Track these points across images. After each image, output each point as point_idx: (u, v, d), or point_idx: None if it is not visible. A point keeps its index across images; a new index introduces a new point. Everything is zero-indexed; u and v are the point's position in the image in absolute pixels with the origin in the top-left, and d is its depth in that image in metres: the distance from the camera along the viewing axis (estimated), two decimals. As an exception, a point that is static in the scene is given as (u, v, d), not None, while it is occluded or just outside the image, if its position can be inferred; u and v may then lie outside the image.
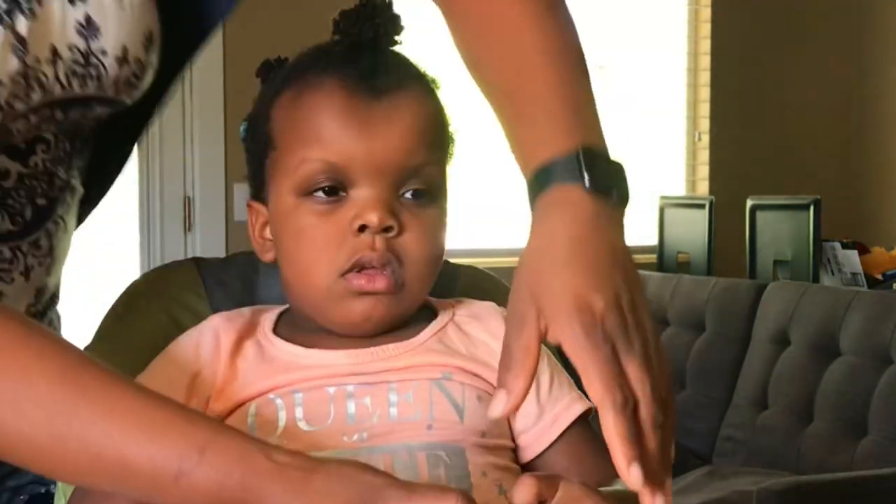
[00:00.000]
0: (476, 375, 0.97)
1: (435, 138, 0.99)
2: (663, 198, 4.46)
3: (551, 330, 0.78)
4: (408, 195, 0.97)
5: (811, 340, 3.24)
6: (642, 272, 4.04)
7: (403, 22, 1.02)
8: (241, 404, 0.94)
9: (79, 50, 0.96)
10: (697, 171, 4.83)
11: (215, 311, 1.07)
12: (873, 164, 5.00)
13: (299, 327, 1.00)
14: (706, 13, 4.77)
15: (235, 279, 1.14)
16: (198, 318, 1.05)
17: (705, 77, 4.78)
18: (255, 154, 1.01)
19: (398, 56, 1.01)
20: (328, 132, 0.95)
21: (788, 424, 3.22)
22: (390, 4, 1.02)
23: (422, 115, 0.98)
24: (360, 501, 0.73)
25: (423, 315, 1.02)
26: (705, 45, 4.77)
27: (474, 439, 0.93)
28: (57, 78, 0.96)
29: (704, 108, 4.80)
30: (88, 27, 0.96)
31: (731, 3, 4.76)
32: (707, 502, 2.75)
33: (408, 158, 0.96)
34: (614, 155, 0.88)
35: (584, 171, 0.85)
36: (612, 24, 4.65)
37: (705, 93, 4.78)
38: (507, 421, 0.97)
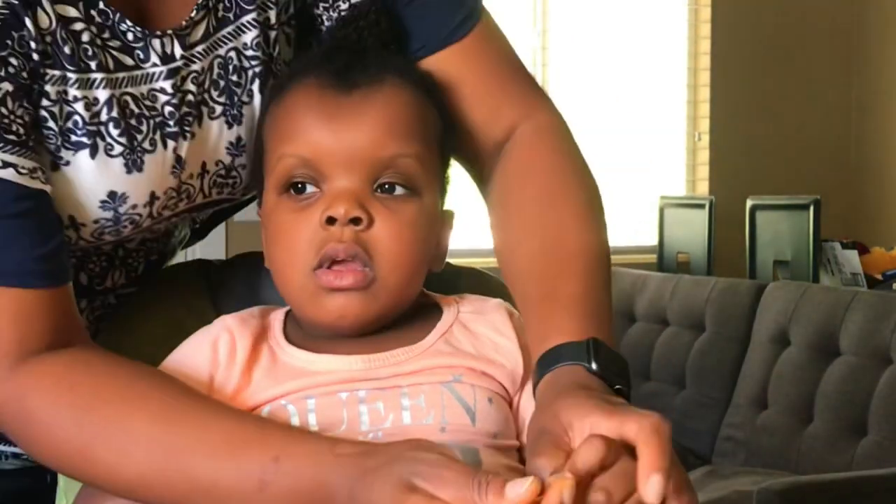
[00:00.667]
0: (485, 374, 0.97)
1: (413, 131, 0.97)
2: (663, 198, 4.46)
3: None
4: (383, 189, 0.95)
5: (811, 340, 3.25)
6: (642, 272, 4.04)
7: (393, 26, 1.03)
8: (253, 409, 0.94)
9: (223, 164, 1.04)
10: (697, 171, 4.84)
11: (218, 312, 1.07)
12: (873, 164, 5.00)
13: (307, 330, 0.99)
14: (706, 13, 4.77)
15: (239, 280, 1.14)
16: (201, 320, 1.05)
17: (705, 77, 4.78)
18: (256, 160, 1.02)
19: (380, 54, 1.00)
20: (300, 127, 0.96)
21: (788, 424, 3.22)
22: (375, 9, 1.02)
23: (396, 107, 0.96)
24: (406, 477, 0.78)
25: (428, 314, 1.01)
26: (705, 45, 4.78)
27: (487, 440, 0.93)
28: (201, 189, 1.04)
29: (704, 108, 4.80)
30: (237, 146, 1.04)
31: (731, 4, 4.76)
32: (707, 502, 2.76)
33: (378, 150, 0.94)
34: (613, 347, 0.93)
35: (591, 356, 0.88)
36: (612, 24, 4.66)
37: (705, 93, 4.79)
38: (514, 420, 0.97)
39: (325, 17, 1.07)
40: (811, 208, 3.76)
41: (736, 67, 4.78)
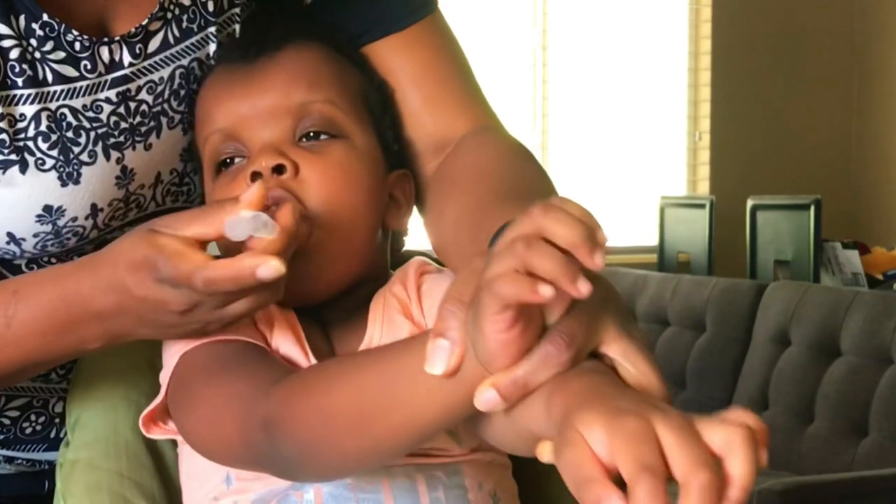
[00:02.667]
0: None
1: (320, 80, 0.96)
2: (664, 198, 4.46)
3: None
4: (308, 138, 0.94)
5: (812, 340, 3.24)
6: (642, 272, 4.04)
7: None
8: None
9: (177, 172, 1.02)
10: (697, 171, 4.83)
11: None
12: (873, 164, 4.99)
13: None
14: (706, 13, 4.77)
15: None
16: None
17: (705, 77, 4.78)
18: (197, 161, 1.02)
19: (285, 24, 1.01)
20: (214, 106, 0.96)
21: (789, 424, 3.22)
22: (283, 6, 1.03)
23: (299, 61, 0.97)
24: (148, 226, 0.83)
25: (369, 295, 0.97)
26: (705, 45, 4.77)
27: (470, 457, 0.91)
28: (154, 198, 1.01)
29: (704, 108, 4.80)
30: (190, 152, 1.02)
31: (731, 3, 4.76)
32: (707, 502, 2.75)
33: (286, 100, 0.94)
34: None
35: None
36: (612, 24, 4.65)
37: (705, 93, 4.78)
38: None
39: None
40: (812, 208, 3.76)
41: (736, 67, 4.77)
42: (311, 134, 0.94)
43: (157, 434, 0.93)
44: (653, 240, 4.48)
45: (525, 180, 0.93)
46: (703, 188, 4.78)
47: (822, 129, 4.99)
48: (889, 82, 4.94)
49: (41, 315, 0.87)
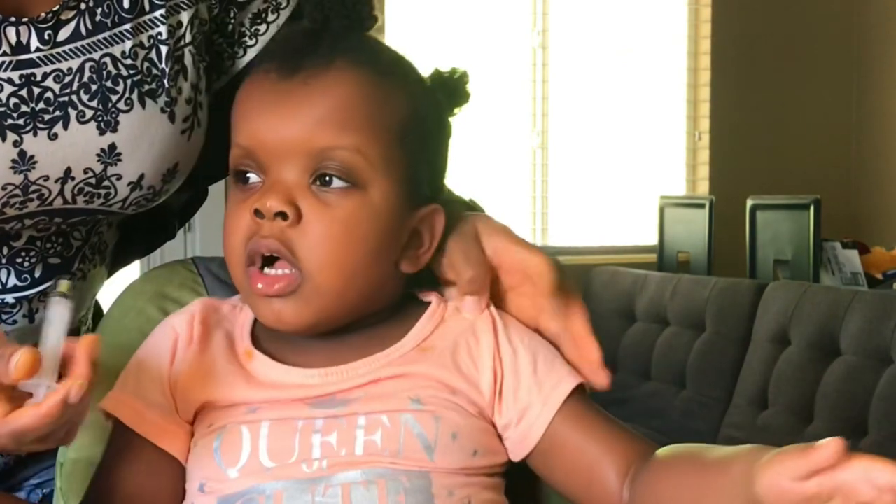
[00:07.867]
0: (455, 392, 0.91)
1: (354, 119, 0.90)
2: (663, 198, 4.45)
3: None
4: (323, 181, 0.89)
5: (811, 340, 3.24)
6: (642, 272, 4.04)
7: (370, 10, 0.96)
8: (205, 410, 0.92)
9: (93, 172, 0.99)
10: (697, 171, 4.83)
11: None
12: (873, 164, 4.99)
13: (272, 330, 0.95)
14: (706, 13, 4.77)
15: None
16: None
17: (705, 77, 4.78)
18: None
19: (337, 34, 0.93)
20: (245, 117, 0.93)
21: (788, 424, 3.22)
22: None
23: (337, 93, 0.90)
24: None
25: (413, 314, 0.95)
26: (705, 45, 4.77)
27: (447, 471, 0.89)
28: (61, 193, 0.98)
29: (704, 108, 4.80)
30: (110, 154, 0.99)
31: (731, 3, 4.76)
32: (707, 502, 2.75)
33: (311, 141, 0.89)
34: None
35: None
36: (612, 24, 4.65)
37: (705, 93, 4.78)
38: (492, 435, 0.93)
39: (245, 43, 1.09)
40: (811, 208, 3.76)
41: (736, 67, 4.77)
42: (328, 178, 0.90)
43: None
44: (652, 239, 4.48)
45: None
46: (703, 188, 4.78)
47: (822, 129, 4.99)
48: (889, 82, 4.94)
49: None
